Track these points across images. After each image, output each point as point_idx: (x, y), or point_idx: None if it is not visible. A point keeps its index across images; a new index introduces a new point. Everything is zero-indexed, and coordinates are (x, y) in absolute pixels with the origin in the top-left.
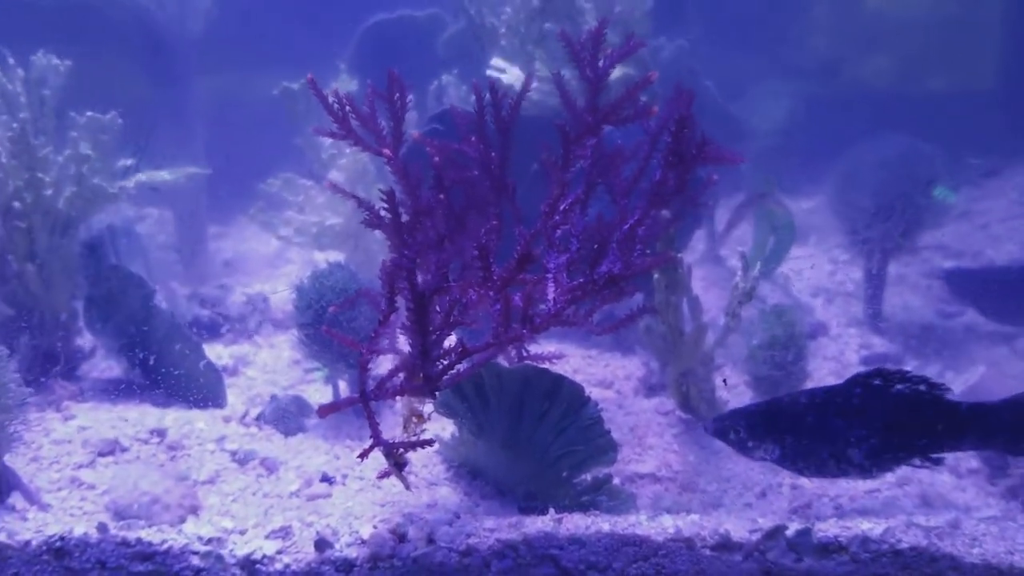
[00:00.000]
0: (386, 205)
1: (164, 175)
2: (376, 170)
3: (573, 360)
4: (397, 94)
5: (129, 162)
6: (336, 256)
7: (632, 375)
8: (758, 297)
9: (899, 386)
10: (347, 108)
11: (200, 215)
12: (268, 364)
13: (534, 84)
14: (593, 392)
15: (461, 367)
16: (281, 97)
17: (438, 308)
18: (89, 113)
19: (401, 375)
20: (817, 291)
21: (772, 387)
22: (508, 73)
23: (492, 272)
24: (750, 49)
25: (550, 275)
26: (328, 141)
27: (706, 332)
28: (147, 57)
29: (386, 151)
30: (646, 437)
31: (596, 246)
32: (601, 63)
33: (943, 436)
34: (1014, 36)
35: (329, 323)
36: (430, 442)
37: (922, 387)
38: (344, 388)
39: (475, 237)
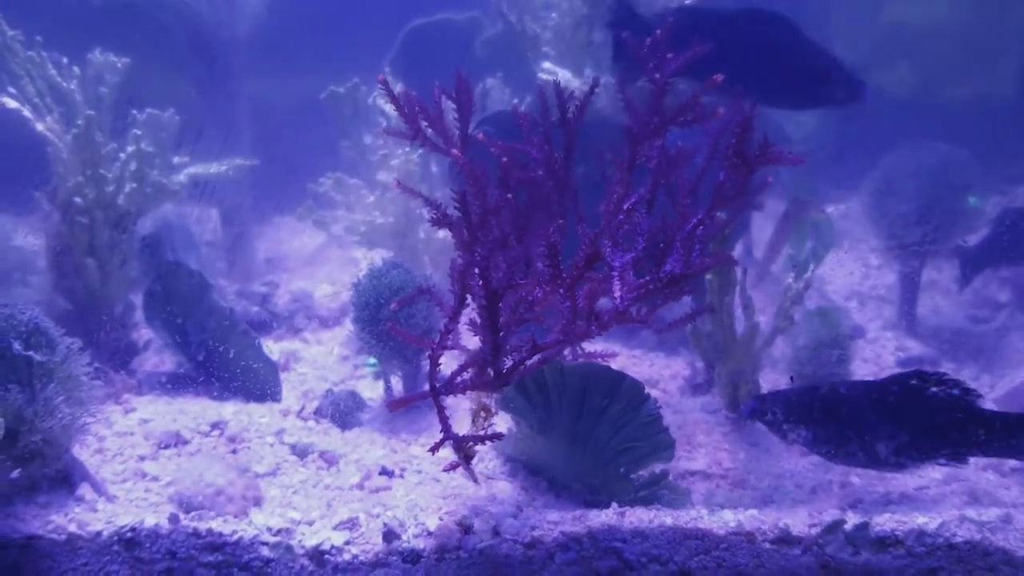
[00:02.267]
0: (457, 204)
1: (214, 167)
2: (421, 171)
3: (619, 359)
4: (463, 95)
5: (185, 158)
6: (383, 254)
7: (678, 374)
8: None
9: (934, 388)
10: (416, 109)
11: (244, 213)
12: (318, 360)
13: (582, 87)
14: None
15: (530, 363)
16: (328, 101)
17: (506, 306)
18: (149, 110)
19: (470, 371)
20: (851, 295)
21: None
22: (559, 75)
23: (560, 270)
24: None
25: (616, 273)
26: (377, 142)
27: (758, 333)
28: (196, 59)
29: (455, 151)
30: (695, 435)
31: (662, 245)
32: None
33: (971, 441)
34: None
35: (388, 319)
36: (499, 435)
37: (956, 391)
38: (396, 383)
39: (541, 236)
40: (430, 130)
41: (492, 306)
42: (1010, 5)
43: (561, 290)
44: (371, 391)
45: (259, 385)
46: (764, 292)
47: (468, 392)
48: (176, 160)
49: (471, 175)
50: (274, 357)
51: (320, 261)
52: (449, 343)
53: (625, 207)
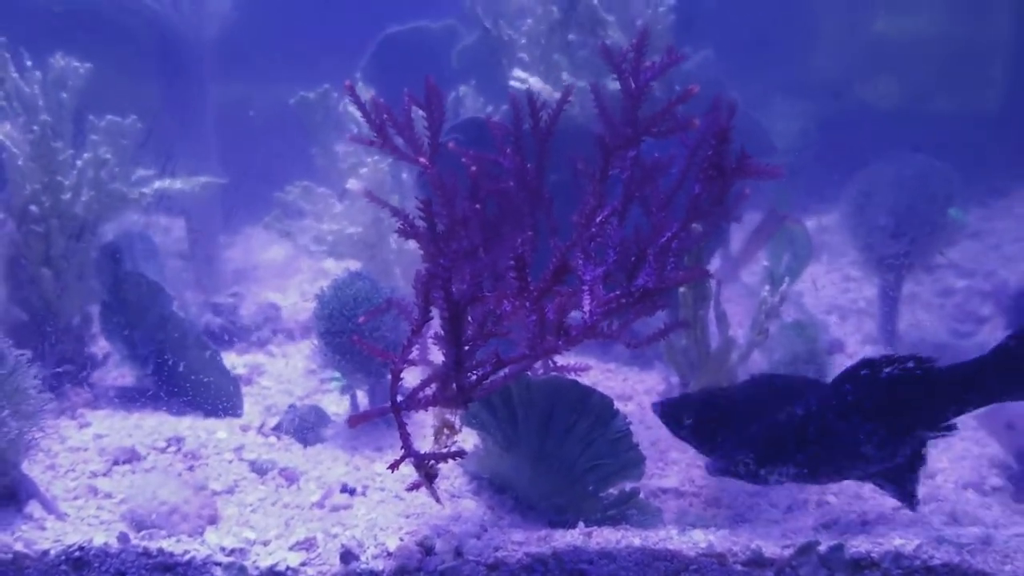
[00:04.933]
0: (422, 214)
1: (178, 184)
2: (393, 180)
3: (592, 373)
4: (434, 103)
5: (149, 172)
6: (353, 265)
7: (652, 389)
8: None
9: (887, 369)
10: (384, 117)
11: (213, 224)
12: (283, 374)
13: (555, 94)
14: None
15: (494, 378)
16: (297, 107)
17: (472, 319)
18: (109, 117)
19: (433, 386)
20: (831, 308)
21: None
22: (531, 83)
23: (528, 283)
24: (760, 67)
25: (586, 287)
26: (347, 150)
27: (733, 348)
28: (161, 63)
29: (423, 160)
30: (668, 452)
31: (634, 259)
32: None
33: (946, 404)
34: (1022, 57)
35: (353, 332)
36: (462, 453)
37: (910, 364)
38: (362, 398)
39: (510, 248)
40: (399, 138)
41: (455, 319)
42: (993, 18)
43: (528, 303)
44: (337, 406)
45: (218, 399)
46: (738, 304)
47: (431, 408)
48: (141, 173)
49: (439, 185)
50: (237, 371)
51: (290, 272)
52: (413, 357)
53: (597, 219)
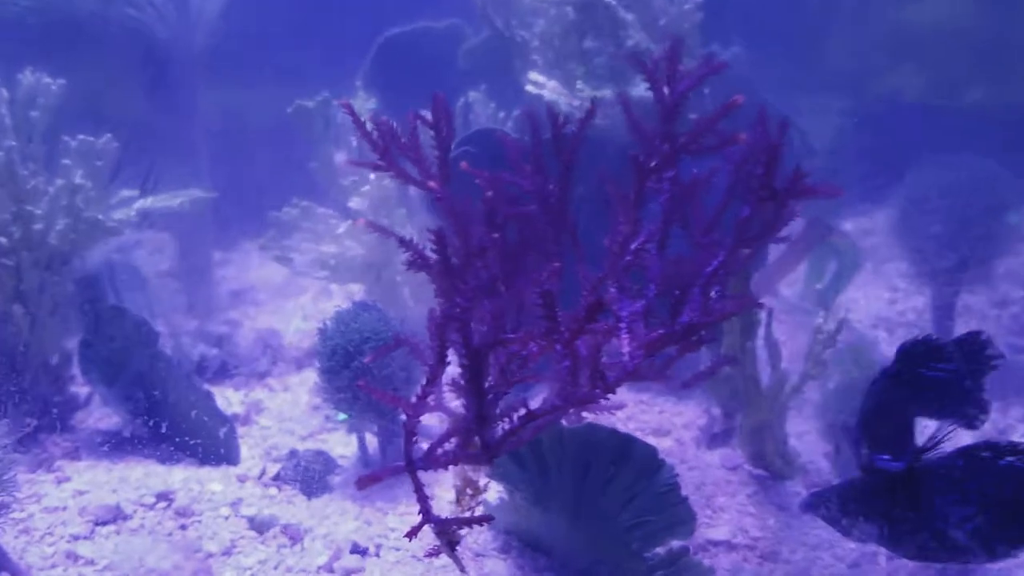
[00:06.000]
0: (434, 247)
1: (167, 200)
2: (399, 197)
3: (624, 405)
4: (443, 121)
5: (130, 193)
6: (356, 289)
7: (691, 423)
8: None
9: (1010, 459)
10: (388, 136)
11: (205, 241)
12: (284, 411)
13: (573, 102)
14: (648, 440)
15: (523, 432)
16: (294, 116)
17: (494, 362)
18: (81, 137)
19: (453, 440)
20: (877, 322)
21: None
22: (547, 88)
23: (557, 322)
24: (789, 63)
25: (624, 324)
26: (348, 164)
27: (786, 382)
28: (147, 75)
29: (432, 183)
30: (715, 497)
31: (678, 292)
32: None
33: None
34: None
35: (359, 372)
36: (488, 518)
37: None
38: (371, 440)
39: (534, 281)
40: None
41: (476, 367)
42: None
43: (559, 346)
44: (344, 447)
45: (212, 446)
46: (778, 321)
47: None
48: (124, 194)
49: (451, 211)
50: (233, 409)
51: (292, 292)
52: (429, 406)
53: (632, 247)
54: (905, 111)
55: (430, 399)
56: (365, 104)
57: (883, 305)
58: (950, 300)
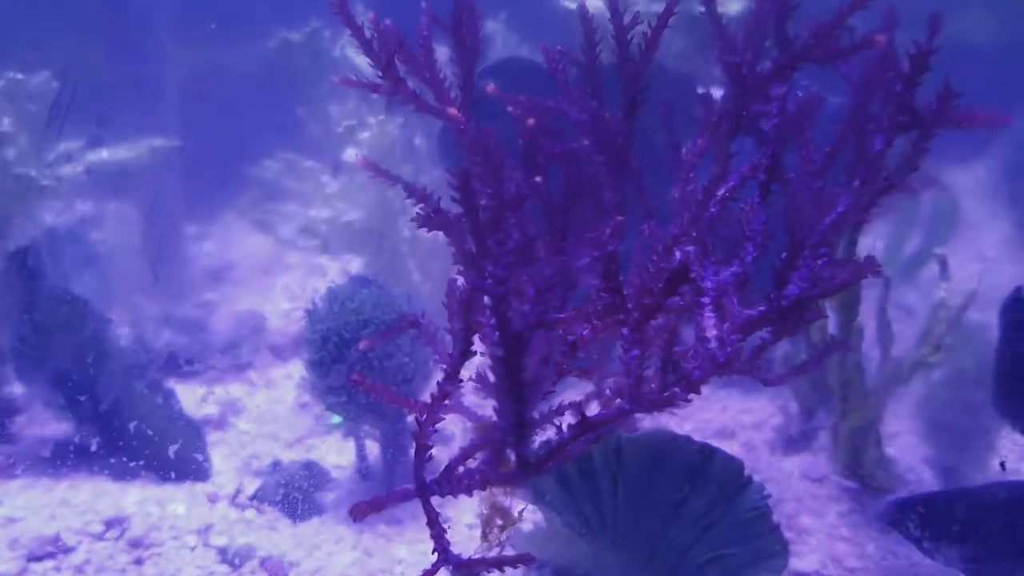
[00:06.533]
0: (456, 194)
1: (122, 152)
2: (404, 149)
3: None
4: (466, 28)
5: (75, 144)
6: (353, 264)
7: (763, 423)
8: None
9: None
10: (392, 46)
11: (174, 210)
12: (266, 411)
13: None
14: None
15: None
16: (278, 54)
17: (535, 352)
18: (9, 75)
19: (480, 455)
20: (979, 278)
21: (958, 438)
22: (588, 3)
23: (623, 297)
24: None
25: (708, 300)
26: (345, 108)
27: (899, 372)
28: (111, 26)
29: (453, 110)
30: (798, 516)
31: (785, 255)
32: None
33: None
34: None
35: (356, 364)
36: (528, 559)
37: None
38: (372, 446)
39: (590, 241)
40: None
41: (514, 358)
42: None
43: (625, 330)
44: (339, 455)
45: (177, 459)
46: None
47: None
48: (68, 147)
49: (478, 147)
50: (206, 410)
51: (278, 269)
52: (447, 408)
53: (721, 192)
54: (974, 54)
55: (448, 400)
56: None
57: (970, 278)
58: None
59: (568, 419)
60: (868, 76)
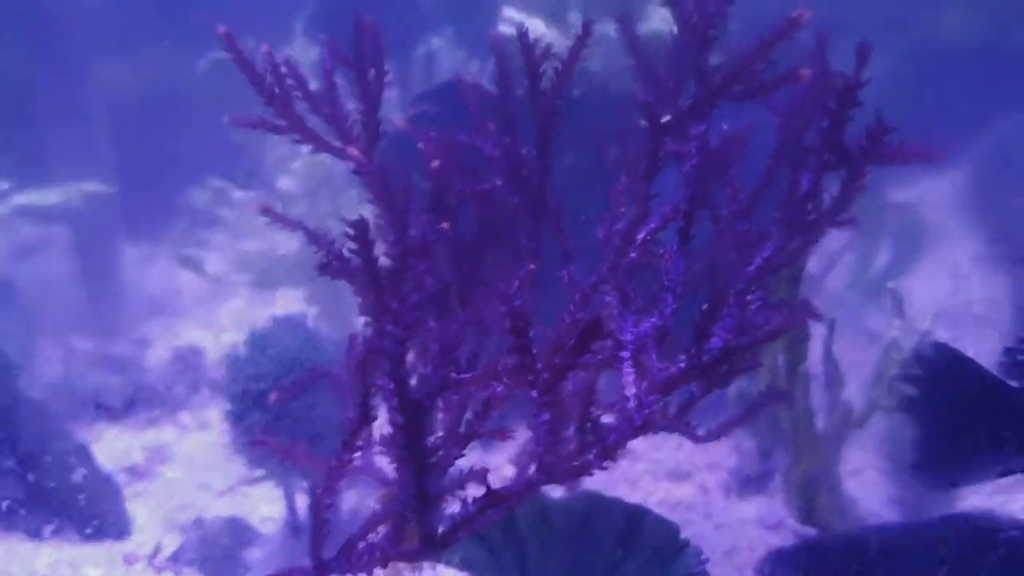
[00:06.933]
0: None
1: (52, 196)
2: (345, 174)
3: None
4: (370, 59)
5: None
6: (287, 300)
7: (718, 463)
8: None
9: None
10: (290, 83)
11: (111, 236)
12: (197, 456)
13: (566, 43)
14: (662, 487)
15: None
16: (210, 74)
17: (443, 409)
18: None
19: (383, 528)
20: (935, 314)
21: None
22: (529, 28)
23: (533, 356)
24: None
25: (627, 355)
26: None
27: (850, 417)
28: (30, 35)
29: (353, 150)
30: (748, 569)
31: (706, 306)
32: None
33: None
34: None
35: (275, 417)
36: None
37: None
38: (303, 500)
39: (499, 292)
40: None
41: (414, 426)
42: None
43: (536, 391)
44: (271, 504)
45: (92, 514)
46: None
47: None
48: None
49: (381, 190)
50: (131, 459)
51: (224, 296)
52: (347, 474)
53: (641, 236)
54: (959, 56)
55: (352, 462)
56: (306, 55)
57: (944, 294)
58: None
59: (474, 490)
60: (793, 110)
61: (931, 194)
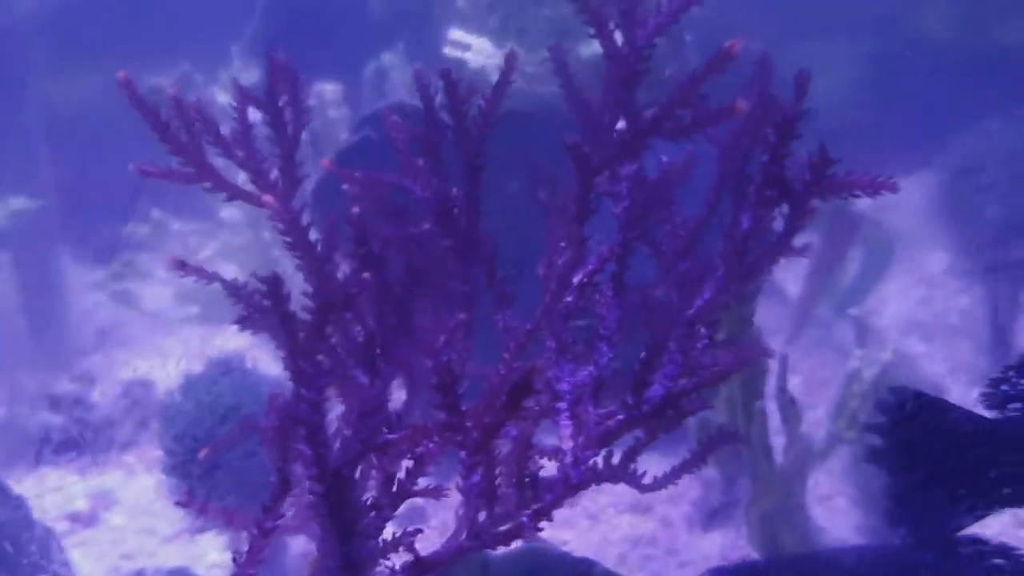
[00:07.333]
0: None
1: None
2: (298, 196)
3: None
4: (286, 96)
5: None
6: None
7: (681, 494)
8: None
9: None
10: (198, 125)
11: (53, 262)
12: (144, 501)
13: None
14: (624, 521)
15: None
16: (150, 98)
17: (375, 468)
18: None
19: None
20: (909, 326)
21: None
22: (474, 50)
23: (462, 415)
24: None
25: (564, 406)
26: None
27: (809, 452)
28: None
29: (268, 198)
30: None
31: (645, 353)
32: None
33: None
34: None
35: (210, 468)
36: None
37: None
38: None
39: (428, 345)
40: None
41: (334, 495)
42: None
43: (466, 451)
44: (221, 552)
45: (28, 571)
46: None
47: None
48: None
49: (299, 238)
50: (75, 505)
51: (178, 326)
52: (272, 539)
53: (576, 280)
54: (935, 51)
55: (275, 529)
56: (244, 79)
57: (915, 306)
58: (1011, 303)
59: (401, 557)
60: (731, 143)
61: (902, 203)
